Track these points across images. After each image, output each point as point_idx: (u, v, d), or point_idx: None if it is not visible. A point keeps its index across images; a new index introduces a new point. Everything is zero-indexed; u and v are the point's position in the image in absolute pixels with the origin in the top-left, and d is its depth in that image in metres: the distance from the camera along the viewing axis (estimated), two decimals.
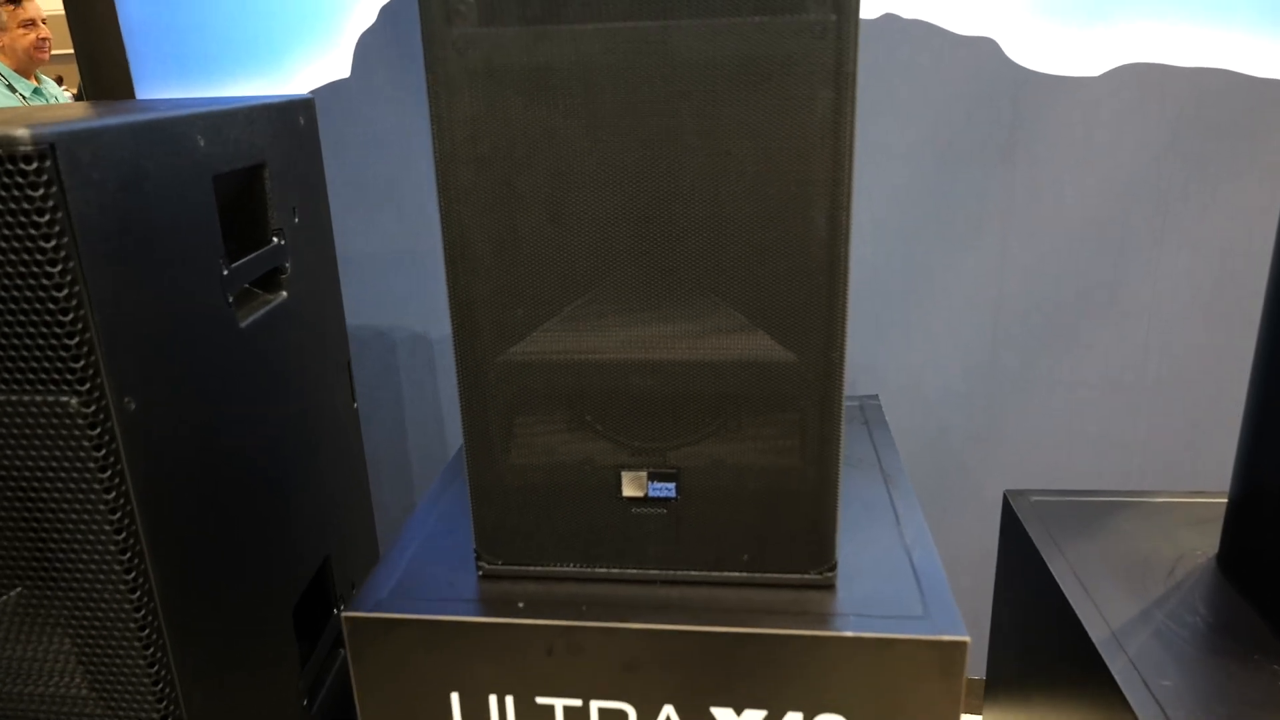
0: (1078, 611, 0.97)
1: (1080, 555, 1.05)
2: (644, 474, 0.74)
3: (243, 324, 0.96)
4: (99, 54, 1.41)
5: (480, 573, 0.79)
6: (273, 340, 1.02)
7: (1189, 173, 1.33)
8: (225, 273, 0.92)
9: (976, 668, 1.49)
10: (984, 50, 1.30)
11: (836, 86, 0.63)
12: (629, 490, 0.75)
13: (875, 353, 1.43)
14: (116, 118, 0.76)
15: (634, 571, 0.78)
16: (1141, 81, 1.30)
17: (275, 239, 1.05)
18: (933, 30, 1.30)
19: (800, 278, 0.69)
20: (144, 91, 1.44)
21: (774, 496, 0.74)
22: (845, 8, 0.62)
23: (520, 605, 0.75)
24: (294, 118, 1.09)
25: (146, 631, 0.75)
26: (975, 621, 1.48)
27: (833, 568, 0.76)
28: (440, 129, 0.67)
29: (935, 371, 1.42)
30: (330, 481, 1.16)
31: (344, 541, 1.21)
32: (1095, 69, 1.30)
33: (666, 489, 0.75)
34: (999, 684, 1.25)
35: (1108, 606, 0.98)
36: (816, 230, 0.67)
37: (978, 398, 1.42)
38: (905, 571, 0.78)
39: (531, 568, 0.78)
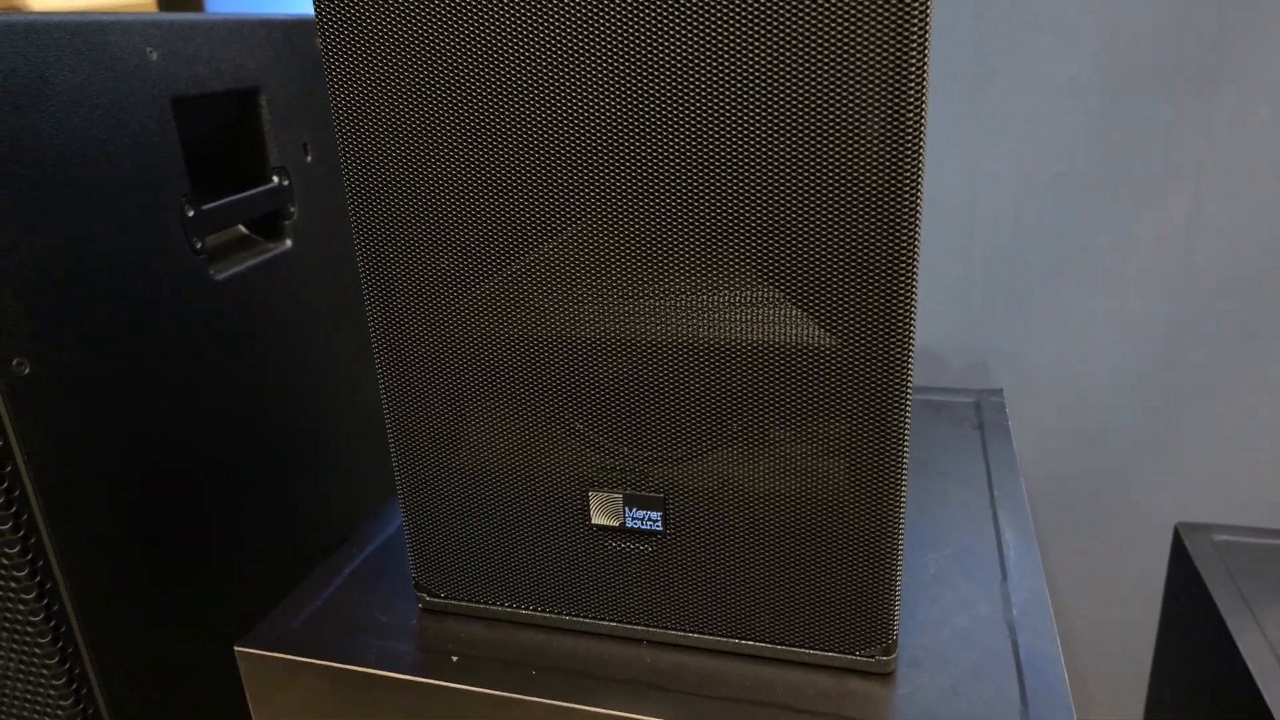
0: (1274, 710, 0.66)
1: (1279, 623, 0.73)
2: (619, 497, 0.51)
3: (219, 276, 0.79)
4: None
5: (421, 605, 0.59)
6: (267, 297, 0.85)
7: None
8: (190, 214, 0.75)
9: (1132, 709, 1.17)
10: None
11: None
12: (599, 518, 0.52)
13: (1017, 336, 1.11)
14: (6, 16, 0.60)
15: (610, 625, 0.55)
16: None
17: (275, 179, 0.87)
18: None
19: (845, 222, 0.43)
20: (216, 5, 1.31)
21: (806, 541, 0.49)
22: None
23: (454, 659, 0.54)
24: (305, 39, 0.91)
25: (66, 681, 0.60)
26: (1134, 657, 1.16)
27: (891, 650, 0.50)
28: None
29: (1096, 363, 1.10)
30: (346, 457, 0.99)
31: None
32: None
33: (649, 519, 0.51)
34: None
35: None
36: (869, 144, 0.41)
37: (1151, 397, 1.09)
38: (1004, 662, 0.51)
39: (482, 606, 0.57)
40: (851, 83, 0.41)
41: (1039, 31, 1.00)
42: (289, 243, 0.89)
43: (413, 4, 0.45)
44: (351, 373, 1.00)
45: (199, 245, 0.76)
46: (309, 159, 0.92)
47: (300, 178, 0.90)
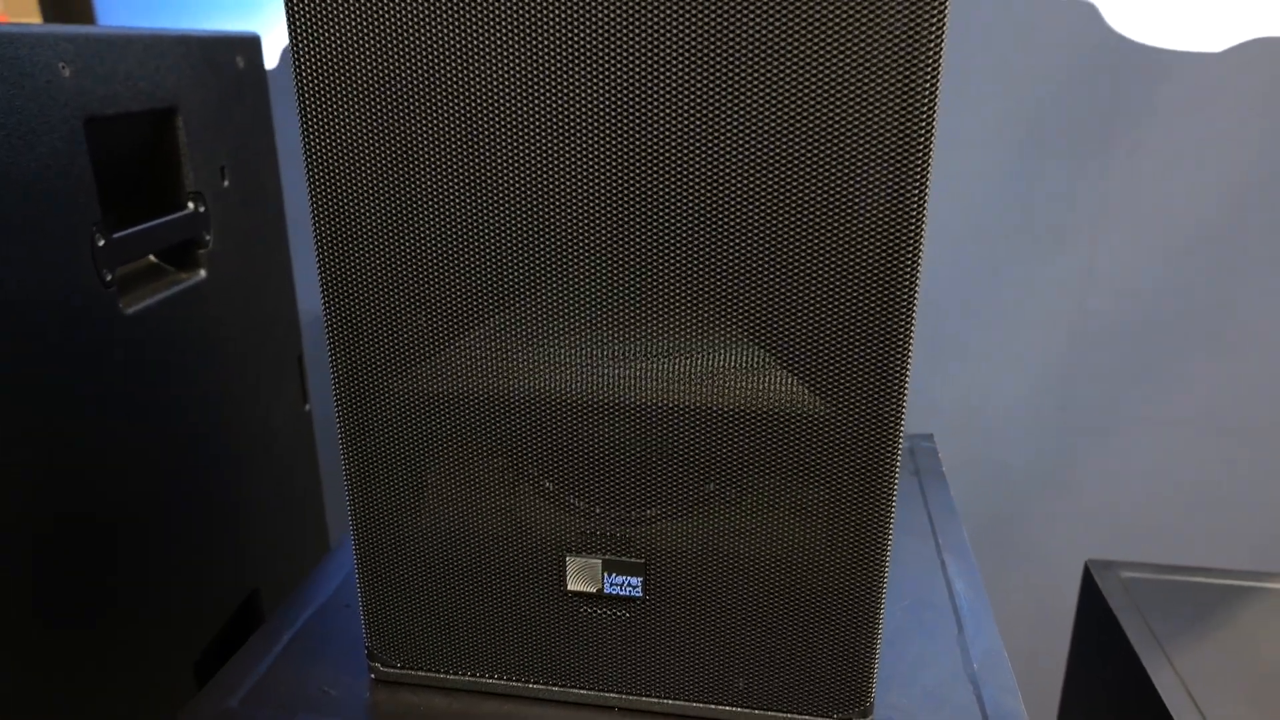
0: None
1: (1198, 668, 0.76)
2: (598, 562, 0.49)
3: (128, 310, 0.72)
4: None
5: (374, 676, 0.54)
6: (179, 332, 0.78)
7: None
8: (101, 243, 0.68)
9: None
10: (1082, 16, 1.02)
11: None
12: (576, 584, 0.50)
13: (925, 379, 1.15)
14: None
15: (581, 693, 0.52)
16: (1272, 60, 1.01)
17: (191, 205, 0.81)
18: None
19: (841, 286, 0.42)
20: (108, 19, 1.21)
21: (787, 606, 0.48)
22: None
23: None
24: (224, 58, 0.84)
25: None
26: (1040, 694, 1.20)
27: (868, 712, 0.50)
28: (297, 23, 0.42)
29: (997, 403, 1.14)
30: (261, 498, 0.92)
31: (282, 569, 0.97)
32: (1216, 44, 1.01)
33: (629, 585, 0.49)
34: None
35: None
36: (872, 209, 0.41)
37: (1047, 435, 1.14)
38: (971, 718, 0.51)
39: (442, 675, 0.53)
40: (856, 144, 0.40)
41: (951, 94, 1.04)
42: (204, 273, 0.82)
43: (397, 46, 0.42)
44: (270, 414, 0.93)
45: (109, 277, 0.69)
46: (226, 184, 0.85)
47: (217, 204, 0.84)
